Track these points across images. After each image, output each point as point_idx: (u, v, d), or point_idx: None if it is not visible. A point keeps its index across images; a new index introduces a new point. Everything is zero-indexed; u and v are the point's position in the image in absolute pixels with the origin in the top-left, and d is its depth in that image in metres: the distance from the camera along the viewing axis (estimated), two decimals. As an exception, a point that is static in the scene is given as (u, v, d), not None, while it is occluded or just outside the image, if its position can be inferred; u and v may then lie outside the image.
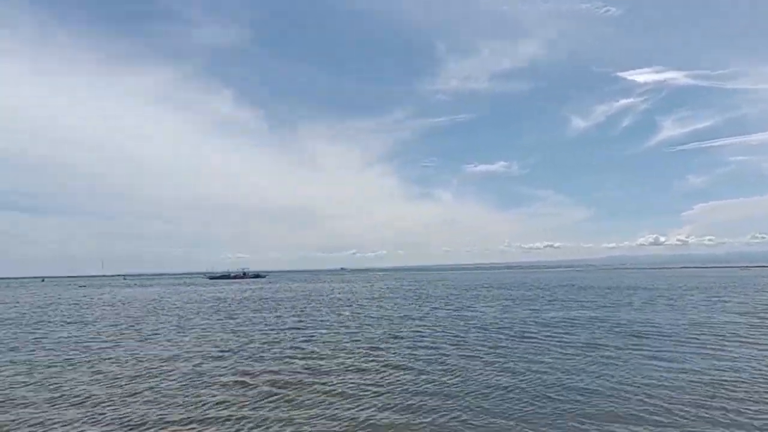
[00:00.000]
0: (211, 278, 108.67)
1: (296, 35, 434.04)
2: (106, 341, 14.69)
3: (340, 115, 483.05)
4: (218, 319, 20.31)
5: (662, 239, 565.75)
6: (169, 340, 14.56)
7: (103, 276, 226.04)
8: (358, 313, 21.78)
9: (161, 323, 19.29)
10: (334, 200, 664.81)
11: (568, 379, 8.82)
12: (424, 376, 9.21)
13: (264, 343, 13.70)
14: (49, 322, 21.06)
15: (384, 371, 9.74)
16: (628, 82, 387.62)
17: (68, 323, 20.27)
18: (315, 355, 11.58)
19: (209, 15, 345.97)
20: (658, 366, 9.73)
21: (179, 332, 16.33)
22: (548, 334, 14.29)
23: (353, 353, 11.78)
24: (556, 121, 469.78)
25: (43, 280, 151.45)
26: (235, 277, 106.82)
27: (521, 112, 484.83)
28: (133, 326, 18.40)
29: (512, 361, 10.48)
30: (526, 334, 14.21)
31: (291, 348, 12.72)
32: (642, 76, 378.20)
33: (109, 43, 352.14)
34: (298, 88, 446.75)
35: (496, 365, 10.10)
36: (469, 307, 24.24)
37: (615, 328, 15.40)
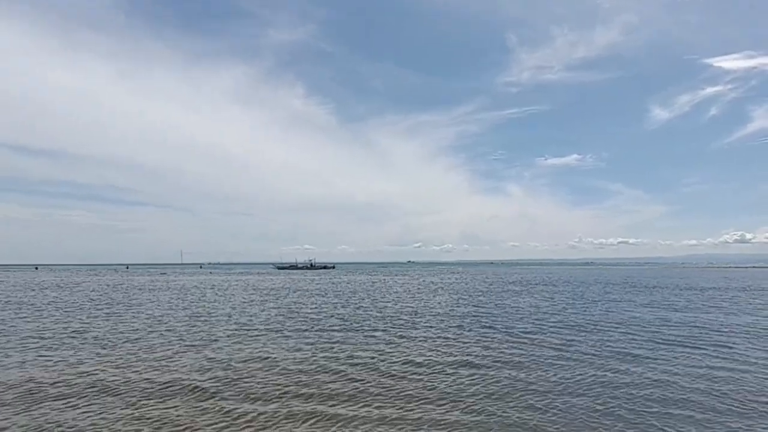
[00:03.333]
0: (280, 268, 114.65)
1: (365, 31, 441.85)
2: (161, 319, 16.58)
3: (408, 109, 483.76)
4: (265, 303, 21.92)
5: (749, 237, 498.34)
6: (202, 320, 16.08)
7: (183, 264, 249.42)
8: (386, 305, 22.21)
9: (218, 304, 21.28)
10: (403, 194, 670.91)
11: (542, 398, 8.56)
12: (422, 381, 9.42)
13: (299, 329, 14.66)
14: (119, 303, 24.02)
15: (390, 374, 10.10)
16: (715, 69, 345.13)
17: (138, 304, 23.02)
18: (339, 347, 12.19)
19: (282, 14, 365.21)
20: (686, 384, 9.06)
21: (222, 315, 17.91)
22: (575, 338, 13.67)
23: (372, 345, 12.22)
24: (634, 111, 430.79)
25: (127, 268, 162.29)
26: (301, 268, 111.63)
27: (597, 103, 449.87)
28: (188, 309, 20.44)
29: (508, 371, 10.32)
30: (545, 340, 13.72)
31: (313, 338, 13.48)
32: (730, 63, 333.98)
33: (188, 44, 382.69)
34: (367, 83, 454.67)
35: (494, 374, 10.00)
36: (511, 306, 23.72)
37: (664, 333, 14.40)
